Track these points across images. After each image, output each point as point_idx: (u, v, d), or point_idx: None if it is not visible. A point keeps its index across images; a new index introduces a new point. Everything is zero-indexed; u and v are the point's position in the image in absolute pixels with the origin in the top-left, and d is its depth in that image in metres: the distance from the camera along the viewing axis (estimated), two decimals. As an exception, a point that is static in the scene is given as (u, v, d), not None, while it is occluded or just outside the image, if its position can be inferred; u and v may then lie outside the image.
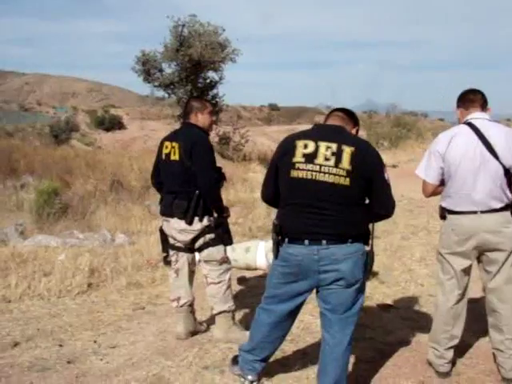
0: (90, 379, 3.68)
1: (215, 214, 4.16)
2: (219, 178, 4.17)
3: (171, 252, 4.32)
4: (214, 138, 16.55)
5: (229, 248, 4.35)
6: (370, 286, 4.98)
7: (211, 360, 3.91)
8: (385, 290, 5.48)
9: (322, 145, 3.07)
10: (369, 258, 3.19)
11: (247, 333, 4.26)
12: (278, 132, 41.73)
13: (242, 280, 5.91)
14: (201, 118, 4.20)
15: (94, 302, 5.25)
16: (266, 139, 37.66)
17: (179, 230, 4.11)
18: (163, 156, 4.19)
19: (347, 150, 3.02)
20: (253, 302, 4.34)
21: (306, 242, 3.07)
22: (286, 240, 3.16)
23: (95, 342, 4.30)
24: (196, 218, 4.06)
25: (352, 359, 3.77)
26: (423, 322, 4.60)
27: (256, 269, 6.07)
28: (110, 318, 4.82)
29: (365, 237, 3.19)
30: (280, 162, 3.21)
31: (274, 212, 3.40)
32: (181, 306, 4.29)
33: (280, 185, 3.23)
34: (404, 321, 4.69)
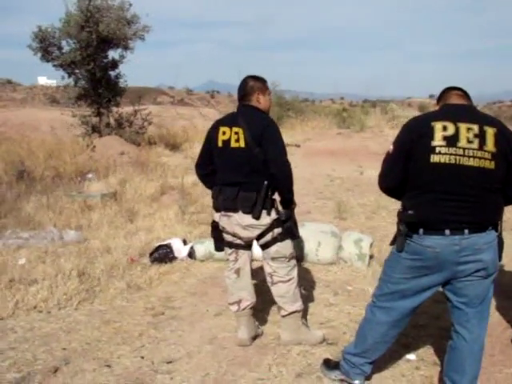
0: (180, 404, 3.18)
1: (280, 207, 3.77)
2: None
3: (229, 250, 3.85)
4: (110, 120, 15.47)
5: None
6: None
7: (298, 366, 3.57)
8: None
9: (463, 126, 2.84)
10: (501, 244, 3.05)
11: (314, 332, 3.98)
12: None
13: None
14: (263, 100, 3.72)
15: (102, 310, 4.56)
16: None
17: (244, 225, 3.65)
18: (219, 143, 3.69)
19: (490, 131, 2.83)
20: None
21: (447, 232, 2.85)
22: (421, 231, 2.91)
23: (142, 357, 3.74)
24: (264, 212, 3.65)
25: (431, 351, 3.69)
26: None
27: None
28: (133, 327, 4.22)
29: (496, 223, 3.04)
30: (415, 147, 2.93)
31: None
32: (242, 310, 3.86)
33: (412, 171, 2.94)
34: (439, 304, 4.63)
